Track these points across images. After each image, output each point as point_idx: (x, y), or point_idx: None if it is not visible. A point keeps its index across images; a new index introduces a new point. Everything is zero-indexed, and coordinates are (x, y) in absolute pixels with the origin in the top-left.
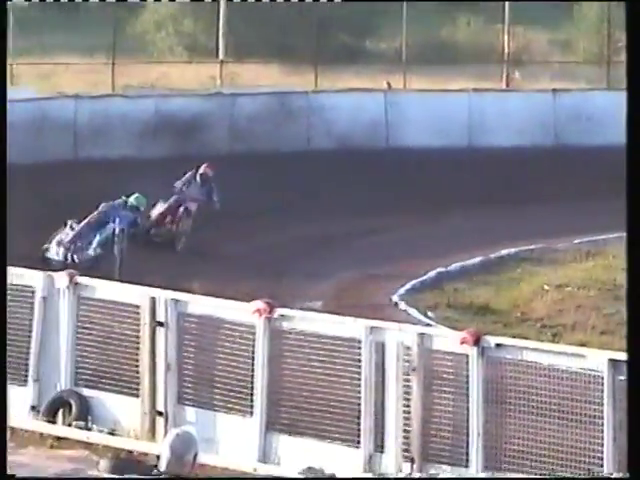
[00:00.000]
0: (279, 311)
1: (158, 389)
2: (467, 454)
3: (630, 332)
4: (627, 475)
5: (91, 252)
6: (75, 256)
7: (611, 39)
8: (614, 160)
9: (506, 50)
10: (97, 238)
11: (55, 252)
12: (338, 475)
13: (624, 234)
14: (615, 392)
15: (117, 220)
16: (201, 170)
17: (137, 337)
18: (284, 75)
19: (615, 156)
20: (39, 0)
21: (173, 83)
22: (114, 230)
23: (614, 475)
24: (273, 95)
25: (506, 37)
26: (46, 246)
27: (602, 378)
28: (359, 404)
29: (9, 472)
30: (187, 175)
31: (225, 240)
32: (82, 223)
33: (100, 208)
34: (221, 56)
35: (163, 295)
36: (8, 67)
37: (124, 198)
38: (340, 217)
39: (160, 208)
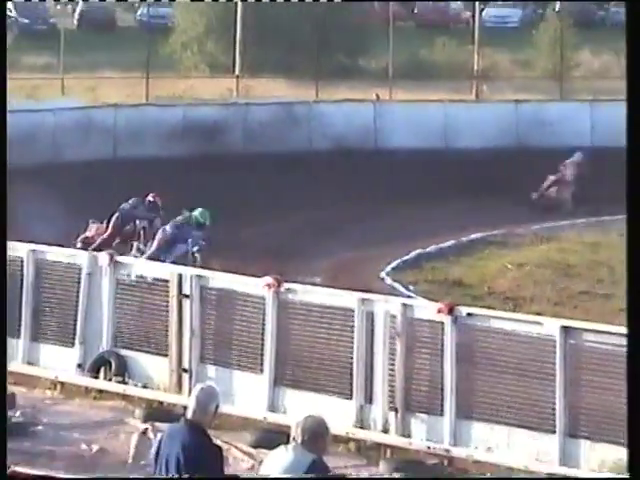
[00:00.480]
0: (286, 285)
1: (184, 350)
2: (442, 405)
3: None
4: (627, 475)
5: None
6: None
7: (563, 58)
8: (566, 158)
9: (476, 67)
10: (168, 261)
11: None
12: (333, 424)
13: (575, 221)
14: (566, 354)
15: (189, 241)
16: (149, 197)
17: (166, 307)
18: (290, 88)
19: (568, 156)
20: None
21: (197, 94)
22: (187, 251)
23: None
24: (280, 104)
25: (476, 57)
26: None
27: (555, 342)
28: (352, 363)
29: (59, 421)
30: (133, 200)
31: (241, 227)
32: (152, 247)
33: (168, 228)
34: (237, 72)
35: (188, 271)
36: (59, 81)
37: (187, 213)
38: (336, 207)
39: (100, 228)
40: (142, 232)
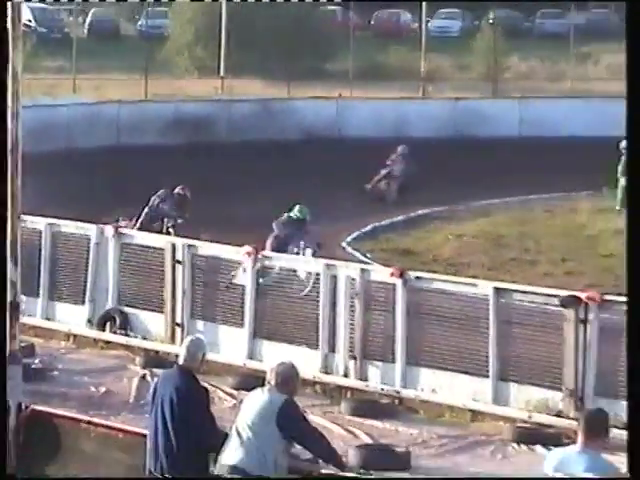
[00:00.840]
0: (262, 253)
1: (177, 308)
2: (393, 353)
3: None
4: (627, 475)
5: (269, 280)
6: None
7: (496, 63)
8: (498, 147)
9: (422, 70)
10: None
11: (243, 279)
12: (302, 369)
13: (506, 199)
14: (498, 311)
15: (301, 243)
16: (178, 190)
17: (162, 271)
18: (267, 87)
19: (498, 144)
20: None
21: (188, 93)
22: (298, 253)
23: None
24: (259, 101)
25: (422, 61)
26: (233, 273)
27: (489, 301)
28: (318, 319)
29: (72, 367)
30: (162, 192)
31: (225, 205)
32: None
33: (276, 230)
34: (222, 74)
35: (180, 241)
36: (72, 81)
37: (287, 214)
38: (306, 187)
39: (129, 225)
40: (172, 231)
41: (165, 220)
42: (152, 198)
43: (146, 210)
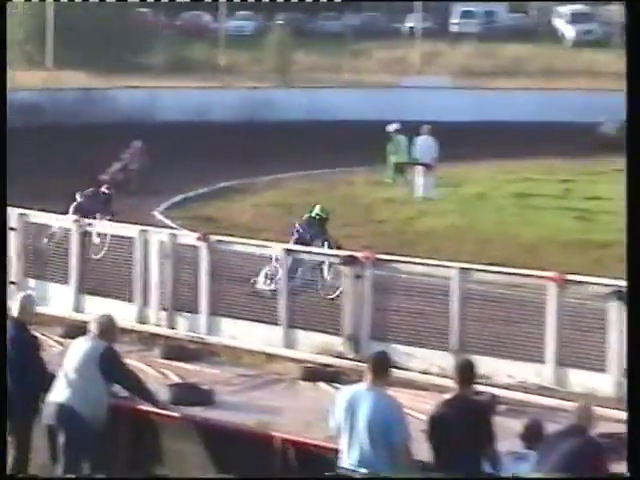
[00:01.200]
0: (85, 220)
1: (11, 268)
2: (198, 306)
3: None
4: (627, 475)
5: (298, 281)
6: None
7: (285, 58)
8: (288, 129)
9: (222, 63)
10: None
11: (265, 284)
12: (121, 320)
13: (294, 173)
14: (287, 269)
15: (326, 244)
16: (104, 189)
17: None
18: (88, 78)
19: (287, 127)
20: None
21: (19, 83)
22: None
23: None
24: (83, 90)
25: (222, 56)
26: (254, 279)
27: (279, 260)
28: (133, 277)
29: None
30: (90, 190)
31: (49, 180)
32: (290, 258)
33: (298, 233)
34: (49, 66)
35: (14, 211)
36: None
37: (308, 214)
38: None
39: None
40: None
41: (98, 215)
42: (78, 195)
43: (75, 204)
